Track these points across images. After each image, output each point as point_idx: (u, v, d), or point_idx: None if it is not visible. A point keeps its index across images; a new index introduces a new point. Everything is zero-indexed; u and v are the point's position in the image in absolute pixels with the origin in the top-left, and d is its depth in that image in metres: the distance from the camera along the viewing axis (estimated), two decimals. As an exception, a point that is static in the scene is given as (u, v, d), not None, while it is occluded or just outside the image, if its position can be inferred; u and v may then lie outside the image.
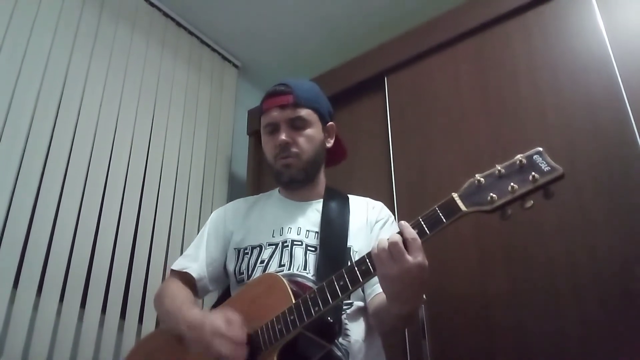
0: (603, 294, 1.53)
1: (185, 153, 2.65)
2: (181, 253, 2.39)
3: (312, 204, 1.57)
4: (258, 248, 1.49)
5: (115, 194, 2.25)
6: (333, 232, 1.46)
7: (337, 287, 1.16)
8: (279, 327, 1.21)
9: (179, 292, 1.50)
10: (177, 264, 1.59)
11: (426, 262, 1.11)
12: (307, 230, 1.49)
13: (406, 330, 1.82)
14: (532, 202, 1.02)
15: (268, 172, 2.64)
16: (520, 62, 1.95)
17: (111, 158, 2.29)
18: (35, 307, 1.89)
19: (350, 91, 2.43)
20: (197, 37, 2.94)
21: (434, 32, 2.22)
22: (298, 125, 1.51)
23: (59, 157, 2.10)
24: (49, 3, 2.23)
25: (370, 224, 1.53)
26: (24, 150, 1.99)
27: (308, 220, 1.52)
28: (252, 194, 2.60)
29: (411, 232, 1.09)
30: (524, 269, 1.69)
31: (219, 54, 3.06)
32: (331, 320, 1.26)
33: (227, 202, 2.75)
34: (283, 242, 1.47)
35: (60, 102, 2.17)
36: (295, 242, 1.46)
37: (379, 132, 2.25)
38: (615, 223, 1.57)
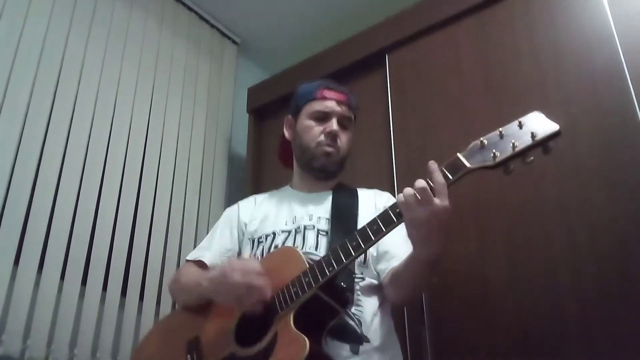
0: (602, 274, 1.53)
1: (185, 131, 2.64)
2: (181, 231, 2.44)
3: (323, 194, 1.64)
4: (272, 235, 1.56)
5: (115, 173, 2.25)
6: (343, 217, 1.53)
7: (349, 247, 1.22)
8: (294, 289, 1.26)
9: (195, 271, 1.57)
10: (191, 255, 1.67)
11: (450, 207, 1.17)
12: (318, 217, 1.55)
13: (405, 314, 1.83)
14: (532, 157, 1.10)
15: (268, 150, 2.66)
16: (522, 39, 1.93)
17: (110, 137, 2.28)
18: (37, 284, 1.90)
19: (350, 69, 2.41)
20: (196, 13, 2.90)
21: (435, 9, 2.19)
22: (345, 124, 1.63)
23: (59, 136, 2.09)
24: (45, -19, 2.21)
25: (379, 209, 1.56)
26: (23, 128, 1.99)
27: (319, 208, 1.58)
28: (252, 172, 2.63)
29: (440, 178, 1.15)
30: (524, 250, 1.69)
31: (219, 30, 3.02)
32: (344, 285, 1.33)
33: (227, 180, 2.80)
34: (296, 229, 1.53)
35: (58, 80, 2.15)
36: (307, 227, 1.53)
37: (380, 109, 2.24)
38: (616, 202, 1.57)
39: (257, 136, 2.73)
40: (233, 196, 2.81)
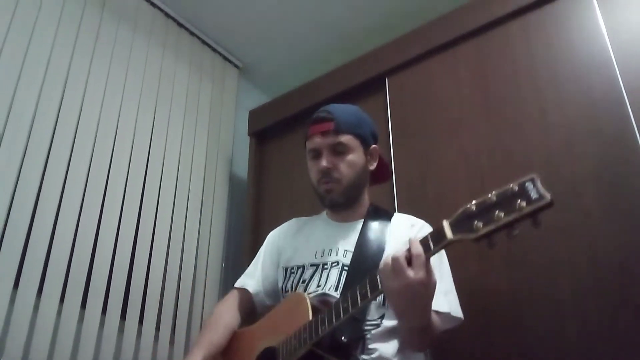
0: (602, 295, 1.53)
1: (186, 154, 2.65)
2: (181, 255, 2.44)
3: (354, 224, 1.62)
4: (302, 268, 1.58)
5: (116, 195, 2.25)
6: (367, 252, 1.51)
7: (341, 308, 1.24)
8: (294, 342, 1.31)
9: (215, 321, 1.64)
10: (238, 282, 1.74)
11: (431, 279, 1.15)
12: (345, 250, 1.55)
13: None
14: (517, 231, 1.02)
15: (268, 172, 2.67)
16: (520, 63, 1.95)
17: (112, 159, 2.29)
18: (36, 307, 1.89)
19: (351, 92, 2.43)
20: (199, 38, 2.94)
21: (434, 34, 2.22)
22: (339, 150, 1.57)
23: (60, 158, 2.10)
24: (50, 3, 2.23)
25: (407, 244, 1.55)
26: (25, 150, 2.00)
27: (347, 241, 1.57)
28: (253, 195, 2.63)
29: (417, 248, 1.14)
30: (523, 269, 1.69)
31: (220, 54, 3.06)
32: (345, 340, 1.32)
33: (228, 203, 2.81)
34: (323, 264, 1.54)
35: (61, 102, 2.17)
36: (333, 264, 1.53)
37: (380, 133, 2.24)
38: (615, 224, 1.57)
39: (258, 159, 2.74)
40: (234, 219, 2.82)
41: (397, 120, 2.22)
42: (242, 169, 2.91)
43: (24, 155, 1.99)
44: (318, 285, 1.50)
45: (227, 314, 1.66)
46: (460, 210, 1.09)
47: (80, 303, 2.02)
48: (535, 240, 1.69)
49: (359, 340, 1.37)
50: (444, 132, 2.05)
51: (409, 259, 1.14)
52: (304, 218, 1.81)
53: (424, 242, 1.15)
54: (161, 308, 2.27)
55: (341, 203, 1.60)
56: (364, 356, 1.36)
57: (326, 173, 1.56)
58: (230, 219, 2.80)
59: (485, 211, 1.04)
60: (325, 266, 1.53)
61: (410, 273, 1.12)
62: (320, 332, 1.25)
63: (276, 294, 1.67)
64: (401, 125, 2.20)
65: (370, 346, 1.38)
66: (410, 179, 2.07)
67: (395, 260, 1.14)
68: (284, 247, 1.70)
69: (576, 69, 1.81)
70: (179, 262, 2.43)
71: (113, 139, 2.32)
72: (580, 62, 1.81)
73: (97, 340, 2.03)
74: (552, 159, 1.75)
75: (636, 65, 1.69)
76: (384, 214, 1.64)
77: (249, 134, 2.84)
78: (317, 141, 1.58)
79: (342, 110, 1.61)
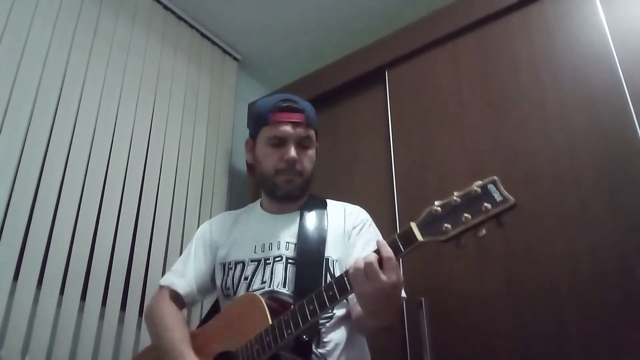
0: (603, 291, 1.53)
1: (186, 146, 2.65)
2: (181, 246, 2.43)
3: (292, 215, 1.59)
4: (241, 264, 1.53)
5: (115, 187, 2.25)
6: (310, 243, 1.50)
7: (307, 311, 1.22)
8: (257, 347, 1.28)
9: (170, 319, 1.52)
10: (166, 280, 1.63)
11: (400, 280, 1.16)
12: (287, 242, 1.52)
13: (407, 337, 1.82)
14: (484, 231, 1.07)
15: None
16: (521, 55, 1.94)
17: (111, 151, 2.28)
18: (36, 299, 1.89)
19: (350, 85, 2.43)
20: (198, 30, 2.93)
21: (435, 26, 2.21)
22: (305, 144, 1.55)
23: (59, 150, 2.10)
24: (48, -5, 2.23)
25: (348, 231, 1.56)
26: (24, 143, 1.99)
27: (287, 233, 1.54)
28: (252, 188, 2.63)
29: (388, 251, 1.14)
30: (524, 266, 1.69)
31: (220, 47, 3.05)
32: (307, 339, 1.32)
33: (227, 195, 2.80)
34: (265, 259, 1.50)
35: (60, 94, 2.16)
36: (276, 258, 1.49)
37: (380, 125, 2.25)
38: (616, 218, 1.57)
39: (257, 151, 2.74)
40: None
41: (397, 112, 2.22)
42: (242, 161, 2.90)
43: (23, 148, 1.98)
44: (263, 282, 1.46)
45: (176, 313, 1.55)
46: (425, 212, 1.13)
47: (80, 295, 2.02)
48: (535, 231, 1.69)
49: (315, 335, 1.37)
50: (444, 125, 2.05)
51: (380, 261, 1.14)
52: (234, 211, 1.76)
53: (393, 244, 1.15)
54: (161, 300, 2.28)
55: (296, 196, 1.57)
56: (320, 350, 1.37)
57: (293, 164, 1.52)
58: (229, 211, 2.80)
59: (451, 213, 1.09)
60: (268, 261, 1.49)
61: (384, 277, 1.13)
62: (286, 336, 1.23)
63: (208, 290, 1.64)
64: (401, 118, 2.20)
65: (325, 339, 1.39)
66: (410, 172, 2.07)
67: (369, 265, 1.14)
68: (220, 242, 1.63)
69: (577, 61, 1.81)
70: (179, 254, 2.41)
71: (112, 132, 2.31)
72: (581, 55, 1.80)
73: (97, 331, 2.03)
74: (552, 151, 1.75)
75: (637, 57, 1.69)
76: (319, 203, 1.63)
77: (248, 127, 2.83)
78: (286, 130, 1.51)
79: (306, 104, 1.58)
